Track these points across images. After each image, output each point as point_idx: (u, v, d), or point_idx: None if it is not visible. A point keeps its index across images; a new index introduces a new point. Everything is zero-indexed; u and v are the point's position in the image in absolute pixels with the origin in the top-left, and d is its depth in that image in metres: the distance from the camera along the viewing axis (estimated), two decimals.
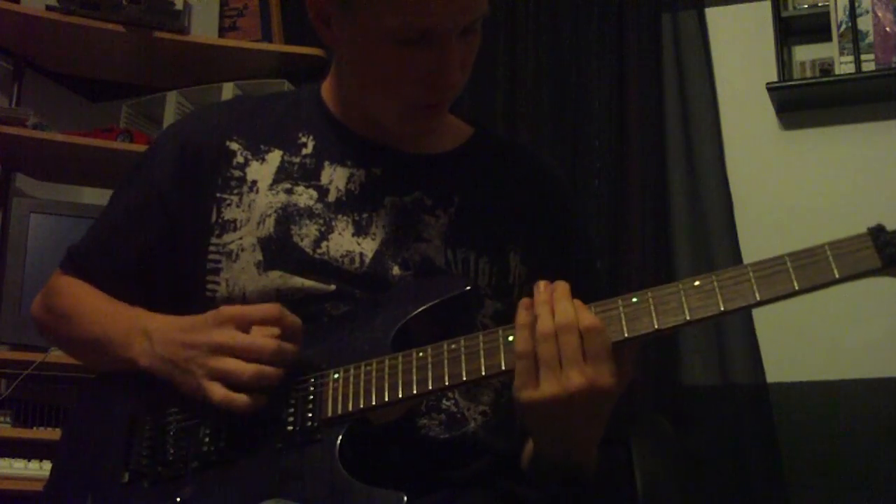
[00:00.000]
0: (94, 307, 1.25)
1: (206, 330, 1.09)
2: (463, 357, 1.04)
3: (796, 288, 0.96)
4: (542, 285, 1.03)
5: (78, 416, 1.27)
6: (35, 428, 2.58)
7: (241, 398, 1.05)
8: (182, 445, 1.11)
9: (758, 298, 0.97)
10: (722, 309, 0.98)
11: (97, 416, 1.22)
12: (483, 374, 1.03)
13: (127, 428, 1.16)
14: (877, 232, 0.97)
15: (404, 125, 1.22)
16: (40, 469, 2.37)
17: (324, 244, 1.20)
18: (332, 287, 1.18)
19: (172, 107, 2.92)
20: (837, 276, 0.96)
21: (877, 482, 2.45)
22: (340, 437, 1.05)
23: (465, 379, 1.03)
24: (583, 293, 1.04)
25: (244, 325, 1.08)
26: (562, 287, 1.03)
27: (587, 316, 1.00)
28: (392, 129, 1.23)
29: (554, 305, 1.01)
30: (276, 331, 1.08)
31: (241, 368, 1.06)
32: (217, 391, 1.06)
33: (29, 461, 2.42)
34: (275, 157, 1.25)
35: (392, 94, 1.17)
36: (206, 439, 1.09)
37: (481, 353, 1.04)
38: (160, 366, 1.12)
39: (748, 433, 2.55)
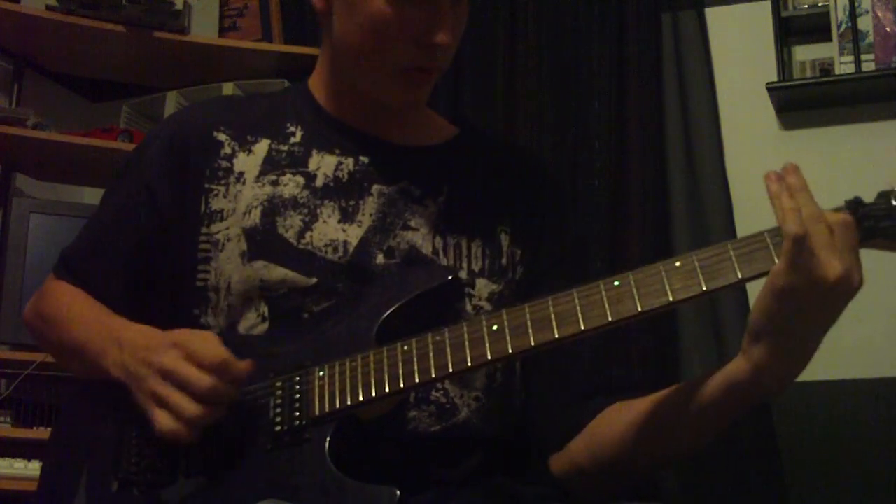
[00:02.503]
0: (79, 315, 1.24)
1: (159, 351, 1.08)
2: (448, 348, 1.03)
3: (776, 263, 0.95)
4: (772, 175, 0.99)
5: (66, 422, 1.27)
6: (35, 428, 2.58)
7: (180, 432, 1.04)
8: (171, 451, 1.10)
9: (739, 276, 0.96)
10: (704, 289, 0.96)
11: (85, 423, 1.22)
12: (469, 364, 1.02)
13: (115, 434, 1.15)
14: (854, 205, 0.97)
15: (394, 91, 1.22)
16: (40, 469, 2.36)
17: (308, 234, 1.20)
18: (314, 280, 1.18)
19: (172, 107, 2.92)
20: None
21: (877, 482, 2.45)
22: (329, 436, 1.04)
23: (451, 370, 1.03)
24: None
25: (190, 357, 1.07)
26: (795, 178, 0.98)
27: (832, 213, 0.97)
28: (380, 98, 1.24)
29: (794, 194, 0.97)
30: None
31: (182, 406, 1.04)
32: (159, 419, 1.05)
33: (29, 461, 2.42)
34: (262, 147, 1.26)
35: (383, 56, 1.18)
36: (195, 444, 1.08)
37: (466, 343, 1.03)
38: (124, 377, 1.12)
39: (748, 433, 2.54)
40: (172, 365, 1.06)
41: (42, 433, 2.52)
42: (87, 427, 1.21)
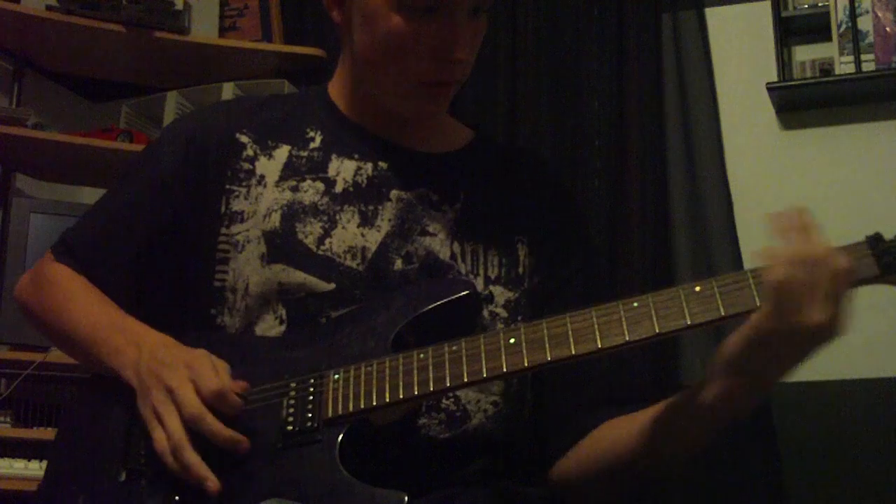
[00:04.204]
0: (84, 305, 1.23)
1: (172, 367, 1.09)
2: (464, 358, 1.04)
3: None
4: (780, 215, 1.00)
5: (75, 415, 1.27)
6: (35, 428, 2.58)
7: (167, 460, 1.06)
8: None
9: (758, 304, 0.97)
10: (722, 314, 0.98)
11: (94, 415, 1.22)
12: (484, 375, 1.03)
13: (125, 426, 1.15)
14: (875, 240, 0.98)
15: (411, 105, 1.23)
16: (40, 469, 2.36)
17: (327, 241, 1.20)
18: (332, 286, 1.18)
19: (172, 107, 2.93)
20: None
21: (877, 482, 2.45)
22: (341, 438, 1.05)
23: (465, 380, 1.04)
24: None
25: (194, 381, 1.08)
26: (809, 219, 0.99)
27: (840, 256, 0.96)
28: (399, 110, 1.24)
29: (806, 235, 0.97)
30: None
31: (172, 428, 1.06)
32: (154, 436, 1.07)
33: (29, 461, 2.42)
34: (282, 152, 1.26)
35: (400, 70, 1.18)
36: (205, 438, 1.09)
37: (482, 355, 1.04)
38: (135, 382, 1.12)
39: (748, 433, 2.54)
40: (176, 384, 1.07)
41: (42, 433, 2.52)
42: (94, 419, 1.21)
